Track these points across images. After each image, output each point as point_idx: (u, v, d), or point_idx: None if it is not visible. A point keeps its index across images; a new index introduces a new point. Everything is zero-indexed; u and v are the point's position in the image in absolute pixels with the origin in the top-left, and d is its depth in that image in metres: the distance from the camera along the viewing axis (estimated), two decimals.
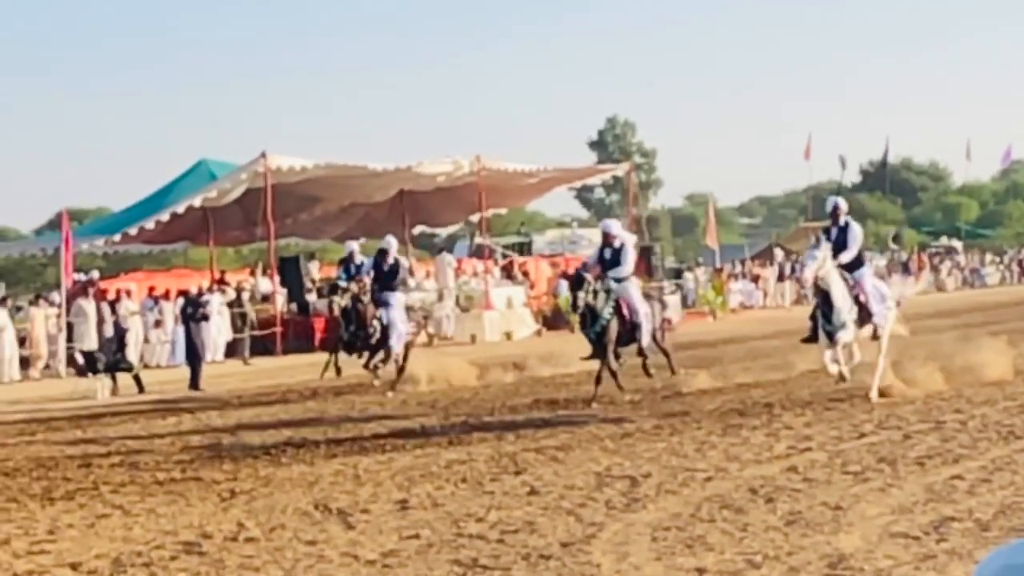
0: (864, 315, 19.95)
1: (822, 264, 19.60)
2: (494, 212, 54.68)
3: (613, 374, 22.11)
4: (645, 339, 22.75)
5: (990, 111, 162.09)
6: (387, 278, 27.11)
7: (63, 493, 15.59)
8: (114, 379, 30.84)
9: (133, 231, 41.32)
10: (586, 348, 22.75)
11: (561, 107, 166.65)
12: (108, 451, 19.54)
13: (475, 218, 52.47)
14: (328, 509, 13.41)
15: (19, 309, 41.74)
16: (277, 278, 43.34)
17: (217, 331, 38.63)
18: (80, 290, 36.96)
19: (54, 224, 55.90)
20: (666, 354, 24.09)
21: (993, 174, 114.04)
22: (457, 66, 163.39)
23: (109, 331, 33.91)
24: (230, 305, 40.92)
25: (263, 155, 41.05)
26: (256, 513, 13.44)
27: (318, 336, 39.08)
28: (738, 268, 63.39)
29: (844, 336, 19.64)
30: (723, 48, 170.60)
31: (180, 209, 41.15)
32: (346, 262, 28.20)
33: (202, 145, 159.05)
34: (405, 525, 12.30)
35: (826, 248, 19.95)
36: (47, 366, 37.78)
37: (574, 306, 22.73)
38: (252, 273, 48.28)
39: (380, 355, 26.89)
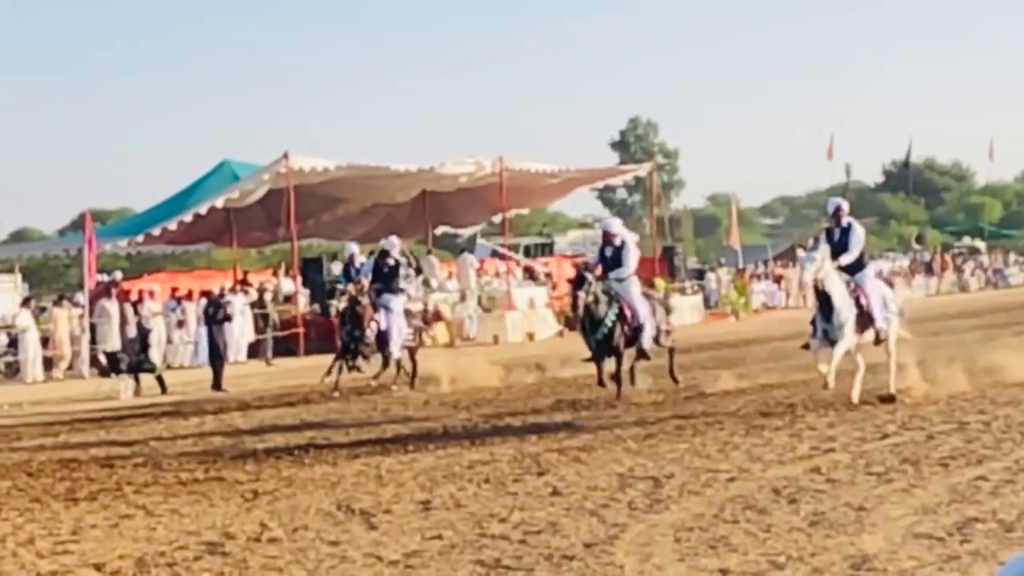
0: (866, 319, 19.65)
1: (821, 266, 19.31)
2: (516, 213, 54.71)
3: (618, 380, 21.95)
4: (647, 342, 22.54)
5: (1013, 111, 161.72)
6: (387, 280, 26.74)
7: (86, 493, 15.62)
8: (137, 380, 30.93)
9: (156, 232, 41.45)
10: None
11: (583, 107, 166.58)
12: (131, 452, 19.59)
13: (497, 219, 52.51)
14: (351, 510, 13.42)
15: (43, 310, 41.84)
16: (299, 279, 43.40)
17: (239, 332, 38.73)
18: (103, 291, 37.05)
19: (77, 225, 56.17)
20: (670, 356, 23.83)
21: (1016, 174, 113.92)
22: (479, 67, 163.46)
23: (132, 332, 33.98)
24: (252, 306, 41.00)
25: (285, 156, 41.11)
26: (279, 514, 13.45)
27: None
28: (761, 269, 63.34)
29: (843, 338, 19.28)
30: (746, 48, 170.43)
31: (203, 210, 41.25)
32: (346, 264, 27.89)
33: (225, 146, 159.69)
34: (428, 526, 12.30)
35: (825, 249, 19.68)
36: (70, 367, 37.87)
37: (574, 306, 22.54)
38: (275, 274, 48.34)
39: (368, 362, 26.54)
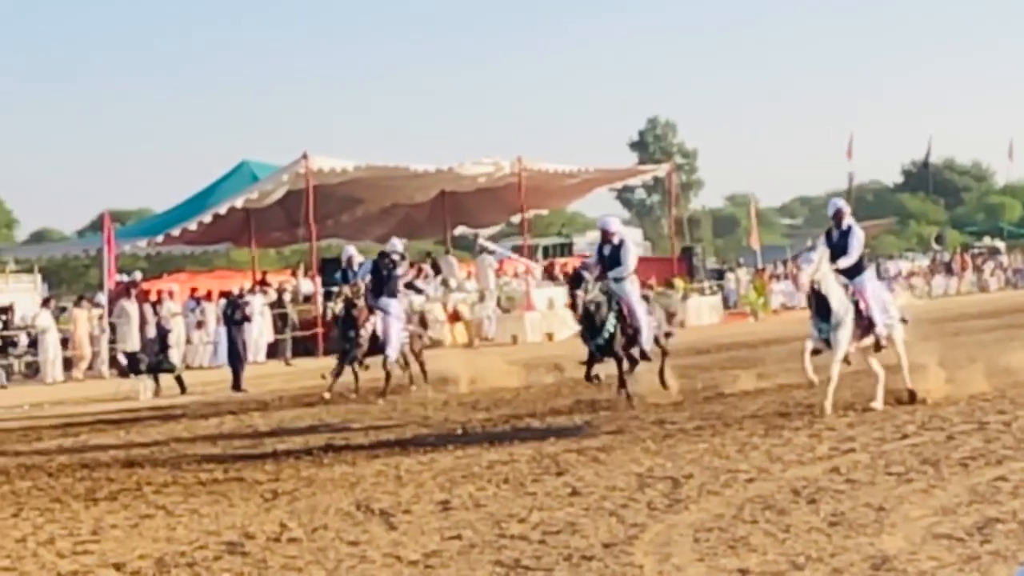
0: (866, 324, 19.40)
1: (818, 267, 19.05)
2: (535, 213, 54.73)
3: (621, 383, 21.79)
4: (647, 344, 22.18)
5: None
6: (386, 283, 26.38)
7: (107, 493, 15.66)
8: (157, 380, 31.00)
9: (175, 232, 41.53)
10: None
11: (602, 108, 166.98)
12: (151, 452, 19.64)
13: (516, 219, 52.51)
14: (370, 510, 13.43)
15: (63, 310, 41.96)
16: (319, 279, 43.43)
17: (259, 332, 38.81)
18: (123, 291, 37.12)
19: (97, 225, 56.38)
20: (662, 356, 23.08)
21: None
22: (498, 67, 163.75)
23: (152, 332, 34.03)
24: (272, 306, 41.06)
25: (304, 156, 41.17)
26: (299, 513, 13.47)
27: None
28: (780, 269, 63.23)
29: (838, 343, 18.99)
30: (764, 48, 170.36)
31: (222, 210, 41.32)
32: (344, 266, 27.55)
33: (244, 146, 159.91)
34: (447, 526, 12.31)
35: (823, 251, 19.41)
36: (90, 367, 37.98)
37: (572, 306, 22.31)
38: (293, 274, 48.39)
39: (362, 366, 26.31)
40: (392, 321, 25.97)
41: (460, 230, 54.93)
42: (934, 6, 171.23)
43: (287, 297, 42.41)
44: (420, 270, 48.44)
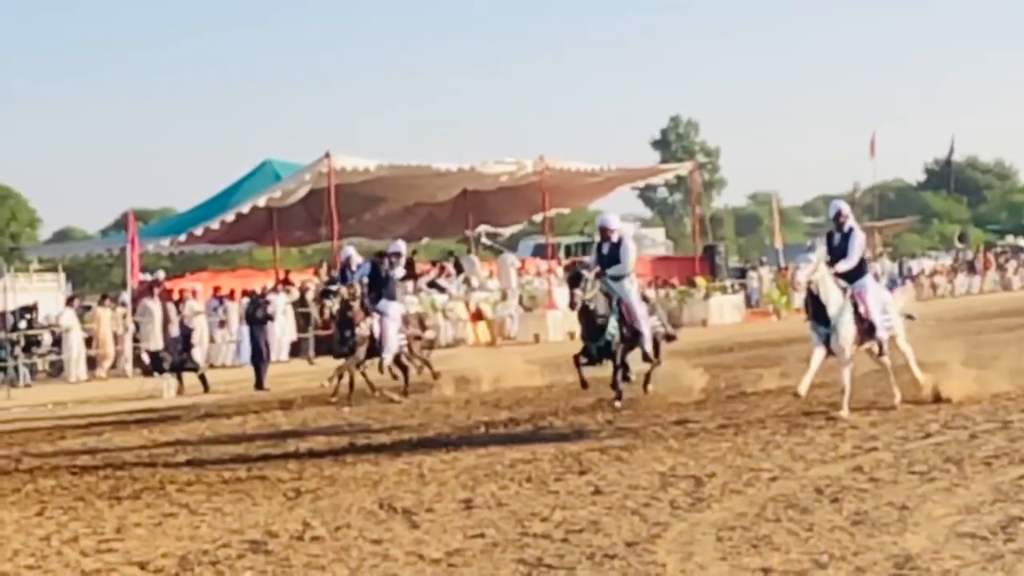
0: (866, 329, 19.31)
1: (816, 268, 18.89)
2: (557, 212, 54.67)
3: (616, 386, 21.69)
4: (648, 344, 22.04)
5: None
6: (384, 284, 26.01)
7: (130, 492, 15.71)
8: (180, 379, 31.07)
9: (198, 231, 41.60)
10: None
11: (624, 106, 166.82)
12: (174, 450, 19.69)
13: (538, 218, 52.48)
14: (393, 508, 13.45)
15: (86, 309, 42.06)
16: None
17: (281, 331, 38.86)
18: (146, 290, 37.21)
19: (120, 224, 56.45)
20: (655, 355, 22.75)
21: None
22: (520, 66, 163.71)
23: (175, 331, 34.12)
24: (294, 305, 41.10)
25: (327, 155, 41.19)
26: (321, 512, 13.50)
27: None
28: None
29: (841, 351, 18.89)
30: (786, 46, 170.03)
31: (245, 209, 41.39)
32: (343, 266, 27.32)
33: (267, 145, 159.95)
34: (470, 524, 12.33)
35: (821, 252, 19.26)
36: (114, 366, 38.09)
37: (571, 304, 22.18)
38: (316, 273, 48.43)
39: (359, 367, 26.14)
40: (389, 323, 25.69)
41: (482, 229, 54.85)
42: (956, 5, 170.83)
43: (309, 296, 42.41)
44: (443, 269, 48.52)
